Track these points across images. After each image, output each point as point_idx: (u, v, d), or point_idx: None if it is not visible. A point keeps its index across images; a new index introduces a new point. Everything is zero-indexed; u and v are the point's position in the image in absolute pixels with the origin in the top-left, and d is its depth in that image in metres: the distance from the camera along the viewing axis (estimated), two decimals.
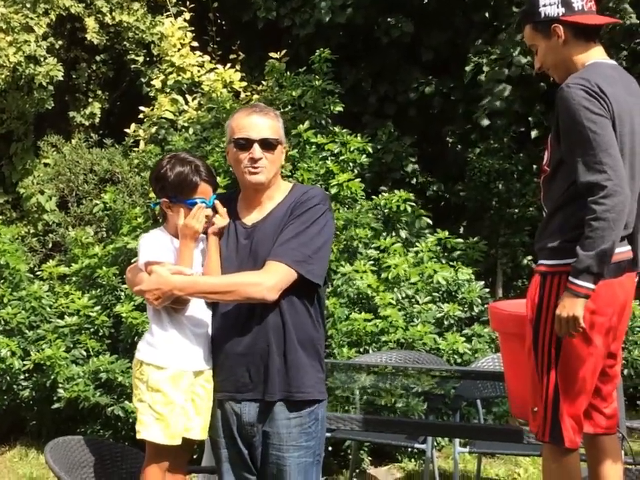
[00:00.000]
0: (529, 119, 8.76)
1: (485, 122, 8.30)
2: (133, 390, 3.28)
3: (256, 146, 3.20)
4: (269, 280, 3.10)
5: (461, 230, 8.54)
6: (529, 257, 8.57)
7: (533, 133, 8.76)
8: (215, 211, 3.30)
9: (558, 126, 3.17)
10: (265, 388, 3.17)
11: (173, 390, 3.16)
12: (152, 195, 6.46)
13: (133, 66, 8.64)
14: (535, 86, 8.80)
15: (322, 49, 7.55)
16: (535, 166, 8.60)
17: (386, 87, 9.40)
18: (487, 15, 9.23)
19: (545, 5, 3.31)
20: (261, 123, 3.23)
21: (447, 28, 9.32)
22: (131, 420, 5.94)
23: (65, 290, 6.53)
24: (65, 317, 6.32)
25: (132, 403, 5.80)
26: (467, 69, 8.58)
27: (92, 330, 6.31)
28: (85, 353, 6.23)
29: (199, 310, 3.26)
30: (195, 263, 3.26)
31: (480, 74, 8.48)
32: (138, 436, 3.19)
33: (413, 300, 6.48)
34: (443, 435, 5.23)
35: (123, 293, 6.30)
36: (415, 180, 8.95)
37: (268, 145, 3.23)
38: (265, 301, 3.11)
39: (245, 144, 3.22)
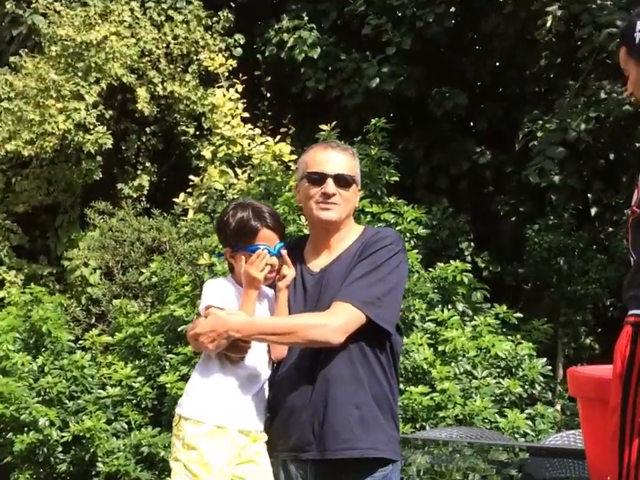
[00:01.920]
0: (588, 195, 8.57)
1: (535, 179, 8.08)
2: (171, 448, 3.01)
3: (330, 181, 3.01)
4: (334, 321, 2.88)
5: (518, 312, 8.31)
6: (591, 337, 8.26)
7: (593, 211, 8.55)
8: (282, 260, 3.10)
9: None
10: (328, 444, 2.91)
11: (211, 448, 2.89)
12: (201, 261, 6.33)
13: (183, 138, 8.62)
14: (593, 162, 8.65)
15: (377, 119, 7.46)
16: (595, 245, 8.39)
17: (438, 158, 9.31)
18: (541, 88, 9.17)
19: None
20: (337, 159, 3.05)
21: (501, 99, 9.25)
22: None
23: (107, 360, 6.37)
24: (107, 387, 6.16)
25: None
26: (520, 134, 8.45)
27: (134, 402, 6.14)
28: (126, 426, 6.05)
29: (257, 364, 3.02)
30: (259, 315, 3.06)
31: (533, 140, 8.34)
32: None
33: (471, 376, 6.21)
34: None
35: (167, 363, 6.12)
36: (469, 258, 8.75)
37: (343, 181, 3.04)
38: (329, 344, 2.88)
39: (318, 178, 3.03)
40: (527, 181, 8.79)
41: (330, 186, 3.01)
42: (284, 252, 3.05)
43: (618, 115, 7.81)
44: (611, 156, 8.73)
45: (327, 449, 2.89)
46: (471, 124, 9.44)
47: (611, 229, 8.46)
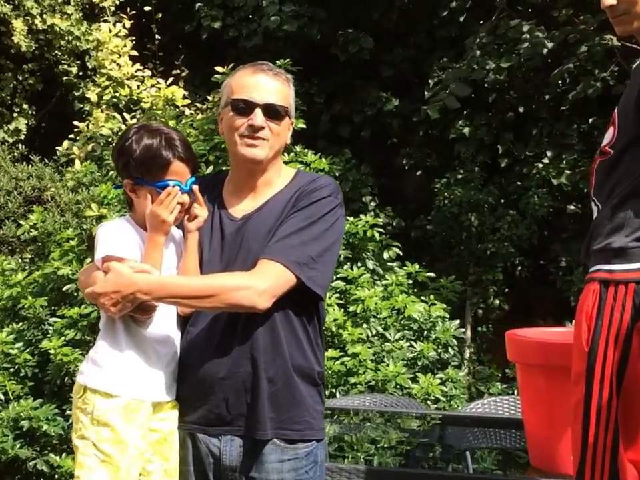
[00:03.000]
0: (498, 146, 8.43)
1: (435, 114, 7.86)
2: (73, 424, 2.64)
3: (258, 111, 2.64)
4: (260, 283, 2.53)
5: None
6: (501, 298, 8.15)
7: (503, 163, 8.43)
8: (193, 198, 2.71)
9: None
10: (249, 422, 2.59)
11: (125, 424, 2.54)
12: (88, 212, 5.85)
13: (65, 78, 8.03)
14: (502, 114, 8.52)
15: (282, 60, 7.07)
16: (503, 200, 8.28)
17: (341, 105, 9.01)
18: (451, 33, 8.96)
19: None
20: (268, 85, 2.68)
21: (408, 46, 9.00)
22: (57, 476, 5.26)
23: None
24: None
25: (59, 456, 5.28)
26: (430, 81, 8.22)
27: (12, 370, 5.61)
28: (2, 397, 5.52)
29: (166, 324, 2.66)
30: (167, 265, 2.68)
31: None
32: None
33: (383, 338, 5.98)
34: None
35: (51, 327, 5.63)
36: (373, 213, 8.52)
37: (274, 112, 2.66)
38: (254, 309, 2.53)
39: (244, 108, 2.65)
40: (434, 133, 8.64)
41: (258, 117, 2.63)
42: (195, 188, 2.67)
43: (538, 52, 7.62)
44: (520, 109, 8.62)
45: (241, 425, 2.59)
46: (377, 71, 9.14)
47: (519, 183, 8.35)
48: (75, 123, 7.38)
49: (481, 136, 8.27)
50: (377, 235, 6.42)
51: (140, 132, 2.65)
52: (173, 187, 2.62)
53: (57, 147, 7.28)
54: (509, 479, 3.56)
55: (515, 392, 6.62)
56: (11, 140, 7.87)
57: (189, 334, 2.67)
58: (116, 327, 2.61)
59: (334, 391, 5.53)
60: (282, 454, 2.60)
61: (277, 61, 7.16)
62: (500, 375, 7.32)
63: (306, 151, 6.76)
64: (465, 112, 8.27)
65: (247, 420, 2.59)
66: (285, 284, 2.55)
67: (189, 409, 2.65)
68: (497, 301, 8.09)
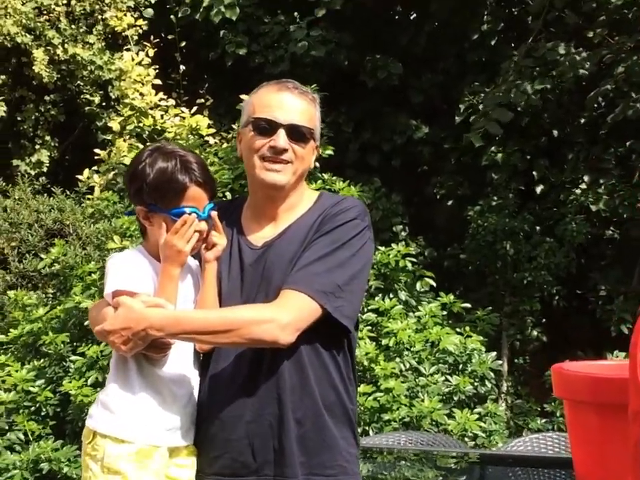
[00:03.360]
0: (533, 173, 8.24)
1: (478, 141, 7.68)
2: (82, 472, 2.46)
3: (281, 132, 2.47)
4: (283, 315, 2.34)
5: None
6: (539, 329, 7.92)
7: (538, 189, 8.24)
8: (211, 225, 2.53)
9: None
10: (277, 469, 2.40)
11: (138, 472, 2.37)
12: (110, 244, 5.72)
13: (87, 108, 7.95)
14: (535, 140, 8.34)
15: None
16: (538, 227, 8.07)
17: (370, 134, 8.86)
18: (482, 57, 8.82)
19: None
20: (293, 105, 2.50)
21: (437, 71, 8.86)
22: None
23: (0, 360, 5.68)
24: (0, 392, 5.45)
25: None
26: (462, 106, 8.05)
27: (32, 409, 5.48)
28: (22, 437, 5.37)
29: (182, 362, 2.49)
30: (183, 298, 2.50)
31: (475, 114, 7.96)
32: None
33: (417, 372, 5.80)
34: None
35: (72, 365, 5.49)
36: (404, 243, 8.36)
37: (298, 134, 2.49)
38: (276, 344, 2.35)
39: (267, 127, 2.48)
40: (466, 160, 8.47)
41: (281, 138, 2.46)
42: (214, 214, 2.48)
43: (575, 75, 7.43)
44: (555, 132, 8.44)
45: (269, 473, 2.38)
46: (405, 97, 9.00)
47: (555, 209, 8.15)
48: (97, 150, 7.29)
49: (514, 162, 8.08)
50: (409, 264, 6.27)
51: (154, 155, 2.48)
52: (190, 214, 2.45)
53: (77, 176, 7.17)
54: None
55: (555, 427, 6.39)
56: (32, 172, 7.79)
57: (208, 373, 2.49)
58: (128, 367, 2.43)
59: (367, 428, 5.36)
60: None
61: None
62: (539, 409, 7.08)
63: (334, 178, 6.62)
64: (497, 137, 8.10)
65: (274, 467, 2.39)
66: (310, 316, 2.38)
67: (210, 457, 2.47)
68: (535, 332, 7.85)
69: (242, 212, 2.63)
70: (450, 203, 8.85)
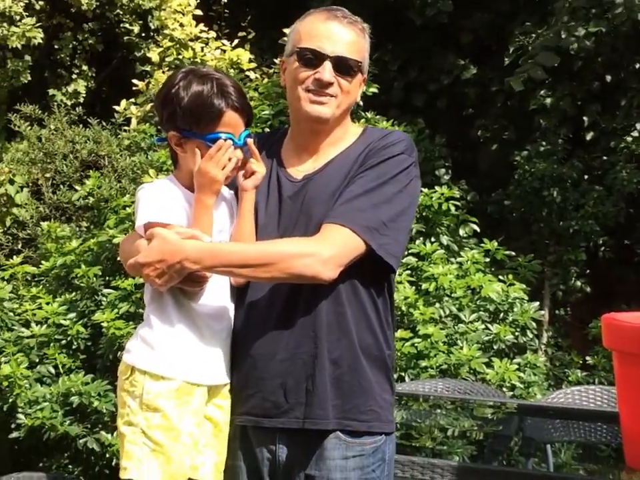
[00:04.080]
0: (584, 118, 8.02)
1: (519, 86, 7.47)
2: (119, 408, 2.41)
3: (327, 64, 2.38)
4: (325, 249, 2.27)
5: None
6: (583, 280, 7.78)
7: (588, 136, 8.02)
8: (248, 154, 2.43)
9: None
10: (309, 411, 2.33)
11: (178, 409, 2.31)
12: (146, 178, 5.63)
13: (126, 38, 7.84)
14: (587, 84, 8.10)
15: None
16: (587, 176, 7.87)
17: (416, 73, 8.68)
18: None
19: None
20: (341, 35, 2.41)
21: (489, 10, 8.61)
22: (107, 455, 5.10)
23: (31, 293, 5.67)
24: (31, 325, 5.45)
25: (110, 434, 5.11)
26: (511, 47, 7.83)
27: (63, 342, 5.44)
28: (53, 371, 5.36)
29: (219, 297, 2.41)
30: (218, 228, 2.42)
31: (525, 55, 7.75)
32: (122, 475, 2.32)
33: (457, 319, 5.70)
34: None
35: (104, 298, 5.46)
36: (446, 186, 8.23)
37: (345, 67, 2.40)
38: (317, 280, 2.28)
39: (312, 59, 2.40)
40: (513, 103, 8.28)
41: (327, 71, 2.37)
42: (250, 141, 2.39)
43: (632, 18, 7.17)
44: (608, 78, 8.20)
45: (305, 416, 2.32)
46: (455, 36, 8.79)
47: (605, 158, 7.95)
48: (135, 81, 7.20)
49: (564, 107, 7.87)
50: (452, 208, 6.15)
51: (188, 77, 2.39)
52: (225, 140, 2.35)
53: (114, 107, 7.10)
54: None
55: (596, 381, 6.29)
56: (69, 102, 7.73)
57: (243, 308, 2.42)
58: (165, 301, 2.36)
59: (403, 374, 5.29)
60: (346, 450, 2.34)
61: None
62: (580, 361, 6.97)
63: (378, 117, 6.50)
64: (546, 81, 7.88)
65: (306, 408, 2.33)
66: (353, 251, 2.30)
67: (242, 395, 2.41)
68: (579, 283, 7.71)
69: (283, 144, 2.55)
70: (494, 147, 8.68)
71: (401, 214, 2.38)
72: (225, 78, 2.40)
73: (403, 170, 2.40)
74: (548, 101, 7.87)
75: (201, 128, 2.36)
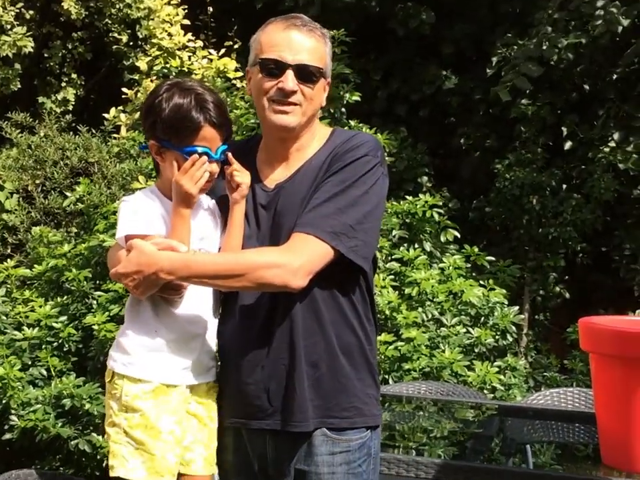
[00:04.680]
0: (562, 129, 8.15)
1: (506, 96, 7.59)
2: (105, 411, 2.52)
3: (289, 73, 2.44)
4: (294, 259, 2.34)
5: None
6: (562, 285, 7.91)
7: (567, 145, 8.15)
8: (225, 165, 2.52)
9: None
10: (288, 415, 2.42)
11: (157, 409, 2.41)
12: (135, 185, 5.72)
13: (115, 46, 7.90)
14: (566, 94, 8.23)
15: (336, 31, 6.88)
16: (565, 185, 7.99)
17: (398, 83, 8.78)
18: (515, 9, 8.69)
19: None
20: (301, 43, 2.46)
21: (471, 21, 8.73)
22: (99, 457, 5.14)
23: (24, 295, 5.72)
24: (23, 328, 5.51)
25: (101, 435, 5.15)
26: (493, 59, 7.94)
27: (55, 345, 5.49)
28: (45, 373, 5.41)
29: (198, 301, 2.51)
30: (199, 235, 2.52)
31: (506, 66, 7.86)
32: (111, 473, 2.43)
33: (438, 323, 5.81)
34: None
35: (95, 302, 5.51)
36: (428, 194, 8.32)
37: (307, 74, 2.46)
38: (287, 289, 2.35)
39: (274, 69, 2.44)
40: (494, 112, 8.39)
41: (289, 80, 2.43)
42: (230, 155, 2.47)
43: (611, 30, 7.30)
44: (586, 87, 8.33)
45: (284, 418, 2.41)
46: (437, 47, 8.89)
47: (583, 167, 8.08)
48: (124, 89, 7.26)
49: (544, 115, 7.99)
50: (436, 215, 6.24)
51: (172, 90, 2.47)
52: (201, 154, 2.44)
53: (104, 114, 7.15)
54: (585, 477, 3.34)
55: (574, 384, 6.40)
56: (58, 110, 7.75)
57: (226, 316, 2.51)
58: (143, 307, 2.46)
59: (387, 377, 5.38)
60: (333, 446, 2.44)
61: (331, 32, 6.99)
62: (559, 365, 7.09)
63: (361, 125, 6.59)
64: (527, 91, 8.00)
65: (285, 413, 2.42)
66: (322, 258, 2.37)
67: (227, 400, 2.51)
68: (558, 289, 7.83)
69: (256, 153, 2.61)
70: (476, 154, 8.78)
71: (368, 215, 2.43)
72: (206, 94, 2.47)
73: (367, 171, 2.44)
74: (529, 109, 7.98)
75: (179, 140, 2.44)
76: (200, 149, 2.44)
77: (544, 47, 7.48)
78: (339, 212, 2.38)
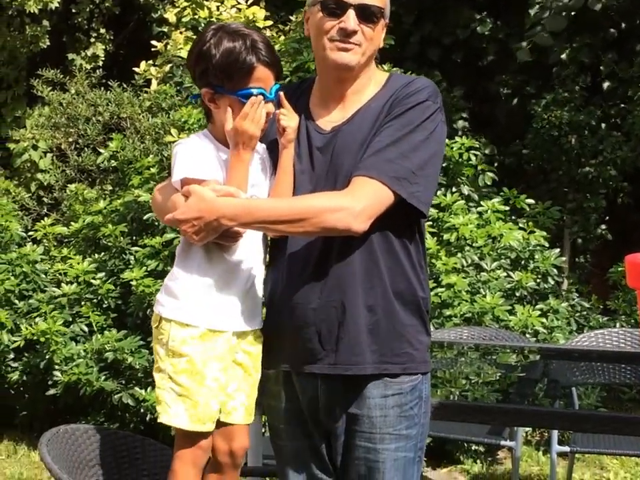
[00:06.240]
0: (600, 68, 7.97)
1: (525, 57, 7.42)
2: (154, 356, 2.50)
3: (351, 12, 2.39)
4: (356, 203, 2.31)
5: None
6: (603, 226, 7.79)
7: (605, 85, 7.96)
8: (279, 106, 2.48)
9: None
10: (341, 357, 2.40)
11: (203, 355, 2.39)
12: (168, 138, 5.69)
13: (142, 0, 7.81)
14: (603, 33, 8.02)
15: None
16: (605, 124, 7.82)
17: (431, 27, 8.61)
18: None
19: None
20: None
21: None
22: (142, 410, 5.21)
23: (62, 253, 5.76)
24: (63, 285, 5.56)
25: (144, 389, 5.19)
26: (532, 11, 7.74)
27: (95, 301, 5.56)
28: (86, 329, 5.47)
29: (249, 248, 2.48)
30: (251, 182, 2.47)
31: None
32: (159, 420, 2.44)
33: (479, 268, 5.76)
34: (553, 427, 4.20)
35: (132, 257, 5.54)
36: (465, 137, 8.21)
37: (368, 14, 2.41)
38: (350, 232, 2.32)
39: (335, 8, 2.40)
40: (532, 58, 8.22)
41: (351, 20, 2.38)
42: (282, 94, 2.44)
43: None
44: (623, 25, 8.13)
45: (337, 362, 2.39)
46: None
47: (623, 105, 7.91)
48: (153, 42, 7.20)
49: (581, 58, 7.81)
50: (473, 158, 6.16)
51: (218, 34, 2.42)
52: (257, 95, 2.40)
53: (134, 69, 7.11)
54: (631, 416, 3.29)
55: (618, 325, 6.33)
56: (88, 66, 7.71)
57: (277, 260, 2.49)
58: (193, 252, 2.44)
59: None
60: (385, 389, 2.42)
61: None
62: (601, 306, 7.01)
63: (395, 69, 6.48)
64: (565, 32, 7.79)
65: (343, 354, 2.39)
66: (384, 202, 2.34)
67: (277, 344, 2.49)
68: (599, 230, 7.73)
69: (310, 95, 2.58)
70: (514, 101, 8.62)
71: (429, 161, 2.41)
72: (254, 34, 2.43)
73: (428, 117, 2.41)
74: (565, 54, 7.80)
75: (233, 84, 2.40)
76: (255, 91, 2.41)
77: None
78: (401, 157, 2.36)
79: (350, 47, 2.40)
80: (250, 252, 2.47)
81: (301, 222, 2.30)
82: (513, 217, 6.39)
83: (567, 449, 4.31)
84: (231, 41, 2.40)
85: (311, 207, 2.32)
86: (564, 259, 6.52)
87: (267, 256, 2.55)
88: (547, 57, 7.86)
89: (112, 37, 8.15)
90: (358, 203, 2.30)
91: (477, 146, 6.27)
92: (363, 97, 2.49)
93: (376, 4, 2.42)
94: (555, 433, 4.43)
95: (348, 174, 2.38)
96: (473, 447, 5.59)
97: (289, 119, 2.46)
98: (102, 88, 6.87)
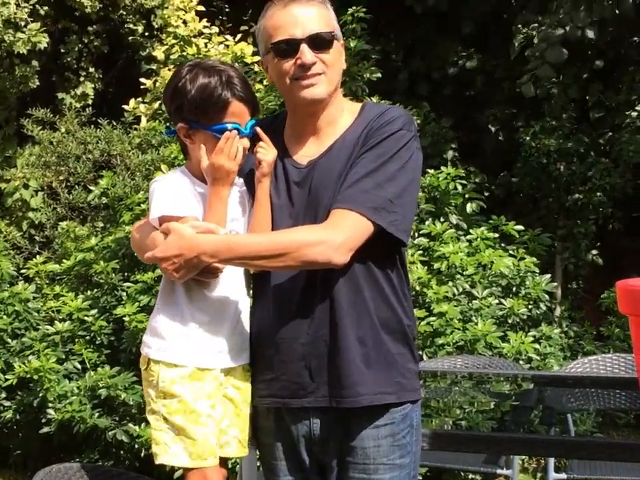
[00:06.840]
0: (587, 97, 8.02)
1: (530, 92, 7.46)
2: (145, 399, 2.49)
3: (304, 47, 2.39)
4: (336, 235, 2.31)
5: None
6: (594, 252, 7.80)
7: (593, 113, 8.00)
8: (255, 140, 2.48)
9: None
10: (334, 390, 2.39)
11: (193, 394, 2.38)
12: (158, 174, 5.68)
13: (130, 37, 7.86)
14: (591, 63, 8.07)
15: (355, 8, 6.81)
16: (593, 152, 7.84)
17: (419, 62, 8.67)
18: None
19: None
20: (305, 15, 2.41)
21: None
22: (136, 446, 5.15)
23: (54, 291, 5.73)
24: (56, 322, 5.53)
25: (138, 425, 5.16)
26: (516, 42, 7.78)
27: (88, 338, 5.52)
28: (79, 366, 5.43)
29: (231, 283, 2.47)
30: (230, 219, 2.48)
31: (530, 47, 7.70)
32: (156, 461, 2.41)
33: (470, 296, 5.75)
34: (549, 455, 4.25)
35: (124, 293, 5.51)
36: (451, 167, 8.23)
37: (320, 42, 2.42)
38: (331, 265, 2.33)
39: (287, 48, 2.40)
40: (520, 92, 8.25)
41: (306, 53, 2.39)
42: (259, 129, 2.43)
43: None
44: (609, 54, 8.18)
45: (329, 394, 2.38)
46: (456, 24, 8.74)
47: (610, 133, 7.95)
48: (142, 80, 7.22)
49: (571, 95, 7.85)
50: (459, 187, 6.17)
51: (194, 70, 2.44)
52: (231, 130, 2.40)
53: (124, 106, 7.13)
54: (627, 442, 3.27)
55: (611, 350, 6.33)
56: (78, 105, 7.72)
57: (261, 295, 2.48)
58: (175, 291, 2.43)
59: (421, 352, 5.32)
60: (377, 419, 2.41)
61: (349, 8, 6.91)
62: (594, 332, 7.01)
63: (383, 102, 6.51)
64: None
65: (330, 388, 2.38)
66: (363, 234, 2.35)
67: (266, 379, 2.47)
68: (590, 255, 7.73)
69: (283, 131, 2.57)
70: (502, 132, 8.67)
71: (406, 189, 2.41)
72: (230, 69, 2.45)
73: (403, 146, 2.41)
74: (555, 89, 7.84)
75: (208, 119, 2.40)
76: (230, 125, 2.41)
77: (567, 28, 7.28)
78: (378, 187, 2.36)
79: (314, 81, 2.40)
80: (232, 287, 2.46)
81: (281, 257, 2.30)
82: (503, 244, 6.39)
83: (564, 476, 4.29)
84: (206, 77, 2.41)
85: (291, 241, 2.32)
86: (555, 284, 6.51)
87: (251, 290, 2.54)
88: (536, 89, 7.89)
89: (101, 76, 8.15)
90: (338, 236, 2.31)
91: (463, 174, 6.27)
92: (337, 128, 2.49)
93: (324, 30, 2.42)
94: (552, 461, 4.41)
95: (327, 207, 2.38)
96: (470, 476, 5.55)
97: (266, 153, 2.46)
98: (92, 126, 6.89)
